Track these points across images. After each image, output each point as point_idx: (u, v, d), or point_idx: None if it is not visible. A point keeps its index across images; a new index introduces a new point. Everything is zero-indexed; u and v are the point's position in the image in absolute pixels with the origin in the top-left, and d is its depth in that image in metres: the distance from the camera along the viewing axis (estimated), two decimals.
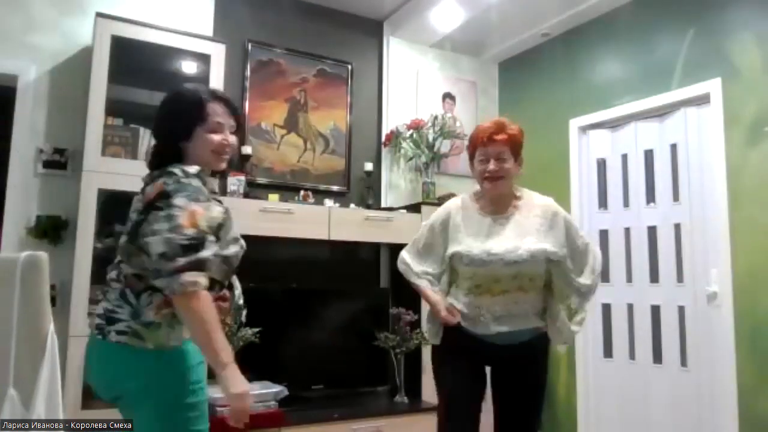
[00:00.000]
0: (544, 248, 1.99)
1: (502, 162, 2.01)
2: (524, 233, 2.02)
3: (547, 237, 2.02)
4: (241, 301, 1.80)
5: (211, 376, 3.10)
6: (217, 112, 1.64)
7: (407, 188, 4.12)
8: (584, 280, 2.06)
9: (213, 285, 1.55)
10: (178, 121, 1.63)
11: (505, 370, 2.10)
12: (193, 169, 1.57)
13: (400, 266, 2.22)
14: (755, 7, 2.95)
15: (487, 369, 2.14)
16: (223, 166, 1.70)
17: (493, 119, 2.12)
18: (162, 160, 1.61)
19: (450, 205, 2.19)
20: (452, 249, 2.06)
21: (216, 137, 1.63)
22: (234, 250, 1.65)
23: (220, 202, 1.67)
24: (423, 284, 2.13)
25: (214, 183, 1.73)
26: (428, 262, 2.15)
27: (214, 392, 2.80)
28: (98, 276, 2.86)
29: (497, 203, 2.09)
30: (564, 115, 3.93)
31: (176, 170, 1.53)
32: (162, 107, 1.68)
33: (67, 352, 2.71)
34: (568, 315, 2.08)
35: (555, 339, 2.09)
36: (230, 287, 1.75)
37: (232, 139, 1.69)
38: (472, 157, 2.10)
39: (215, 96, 1.68)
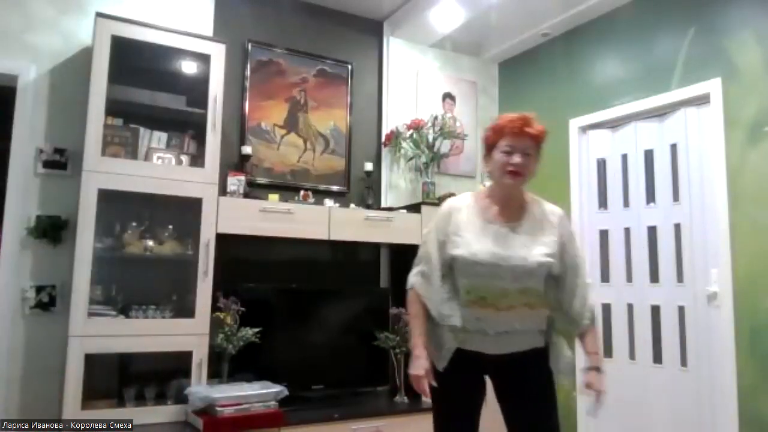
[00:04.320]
0: (553, 261, 1.88)
1: (527, 157, 1.86)
2: (533, 243, 1.88)
3: (558, 251, 1.90)
4: None
5: (214, 375, 3.14)
6: None
7: (407, 188, 4.12)
8: (576, 312, 1.92)
9: None
10: None
11: (505, 376, 1.97)
12: None
13: (414, 291, 2.01)
14: (755, 7, 2.95)
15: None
16: None
17: (517, 113, 1.91)
18: None
19: (451, 202, 2.03)
20: (454, 252, 1.90)
21: None
22: None
23: None
24: (417, 331, 1.94)
25: None
26: (440, 287, 1.95)
27: (214, 392, 2.81)
28: (98, 276, 2.87)
29: (506, 206, 1.93)
30: (564, 115, 3.93)
31: None
32: None
33: (68, 352, 2.71)
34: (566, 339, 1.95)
35: (553, 367, 1.94)
36: None
37: None
38: (491, 147, 1.91)
39: None
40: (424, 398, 3.50)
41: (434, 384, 1.88)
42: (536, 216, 1.94)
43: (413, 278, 2.03)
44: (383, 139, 4.04)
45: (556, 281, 1.94)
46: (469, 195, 2.04)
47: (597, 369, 1.88)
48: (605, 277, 3.66)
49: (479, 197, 2.00)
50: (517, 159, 1.85)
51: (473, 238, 1.89)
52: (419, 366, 1.88)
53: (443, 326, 1.94)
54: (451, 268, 1.94)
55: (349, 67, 3.99)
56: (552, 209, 1.99)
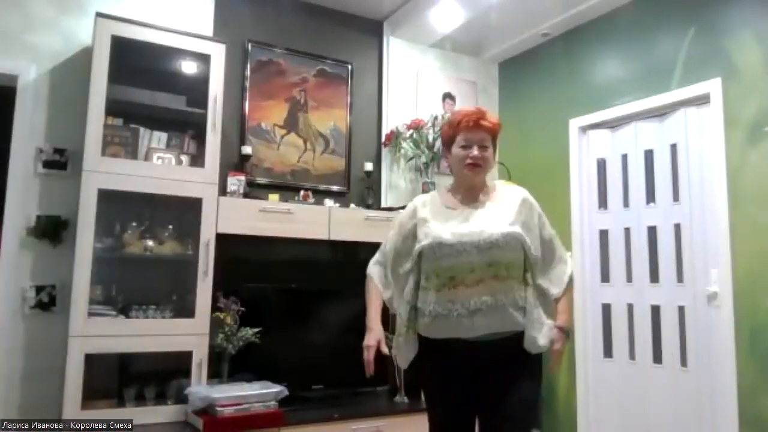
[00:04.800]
0: (518, 232, 1.90)
1: (484, 150, 1.96)
2: (495, 217, 1.94)
3: (520, 223, 1.93)
4: None
5: (214, 375, 3.14)
6: None
7: (407, 188, 4.12)
8: (547, 284, 1.98)
9: None
10: None
11: (489, 367, 1.92)
12: None
13: (369, 276, 2.23)
14: (755, 7, 2.95)
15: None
16: None
17: (473, 107, 2.07)
18: None
19: (416, 200, 2.12)
20: (422, 243, 1.95)
21: None
22: None
23: None
24: (373, 308, 2.15)
25: None
26: (395, 277, 2.11)
27: (214, 392, 2.81)
28: (98, 276, 2.87)
29: (469, 195, 2.01)
30: (564, 115, 3.93)
31: None
32: None
33: (68, 352, 2.71)
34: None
35: (531, 334, 1.89)
36: None
37: None
38: (450, 143, 2.02)
39: None
40: (424, 398, 3.51)
41: (386, 351, 2.05)
42: (498, 195, 2.03)
43: (369, 267, 2.25)
44: (383, 139, 4.04)
45: (533, 258, 1.94)
46: (433, 191, 2.18)
47: (560, 329, 1.96)
48: (605, 277, 3.66)
49: (442, 192, 2.11)
50: (475, 152, 1.94)
51: (436, 226, 1.96)
52: (371, 338, 2.06)
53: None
54: (418, 261, 2.00)
55: (349, 67, 3.99)
56: (515, 189, 2.08)
